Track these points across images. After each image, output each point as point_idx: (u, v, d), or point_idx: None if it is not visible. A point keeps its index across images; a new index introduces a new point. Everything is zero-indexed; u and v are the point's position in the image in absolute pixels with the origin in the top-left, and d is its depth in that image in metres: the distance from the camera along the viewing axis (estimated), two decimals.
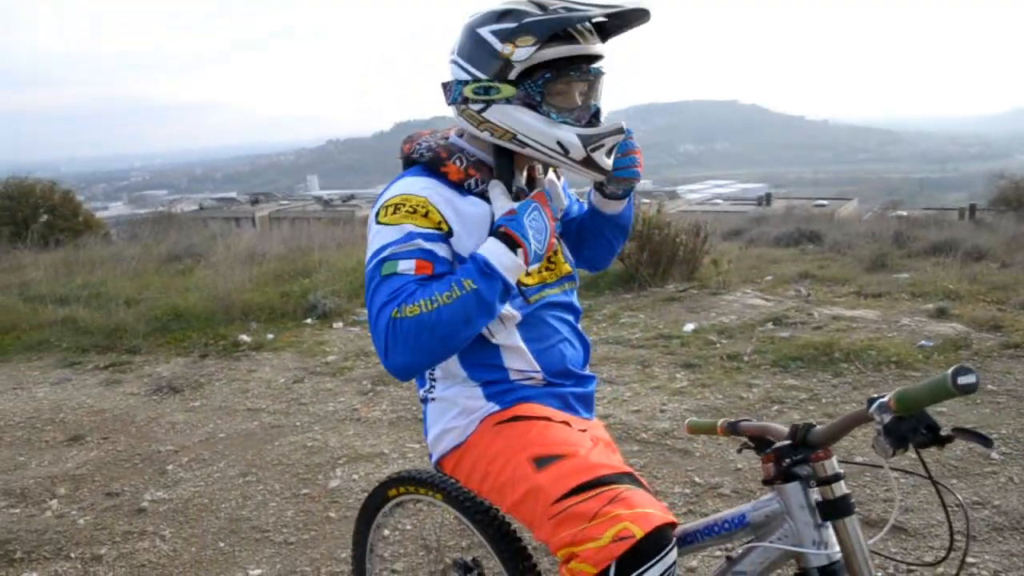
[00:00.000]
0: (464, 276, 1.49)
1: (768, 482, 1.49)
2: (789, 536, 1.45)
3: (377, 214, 1.61)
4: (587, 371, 1.88)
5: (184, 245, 11.79)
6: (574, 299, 1.87)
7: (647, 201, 12.05)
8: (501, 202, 1.61)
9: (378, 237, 1.58)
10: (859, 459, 3.38)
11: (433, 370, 1.79)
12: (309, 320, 7.11)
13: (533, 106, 1.56)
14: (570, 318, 1.84)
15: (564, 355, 1.79)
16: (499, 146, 1.64)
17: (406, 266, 1.53)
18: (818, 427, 1.43)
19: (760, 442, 1.56)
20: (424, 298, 1.47)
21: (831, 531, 1.42)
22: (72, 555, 3.19)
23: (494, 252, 1.52)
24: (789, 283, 8.10)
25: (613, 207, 1.87)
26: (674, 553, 1.46)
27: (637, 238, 7.94)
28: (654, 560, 1.42)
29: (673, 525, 1.50)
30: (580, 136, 1.56)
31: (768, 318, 6.28)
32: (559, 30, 1.50)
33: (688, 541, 1.60)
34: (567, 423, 1.73)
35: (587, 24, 1.56)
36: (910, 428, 1.25)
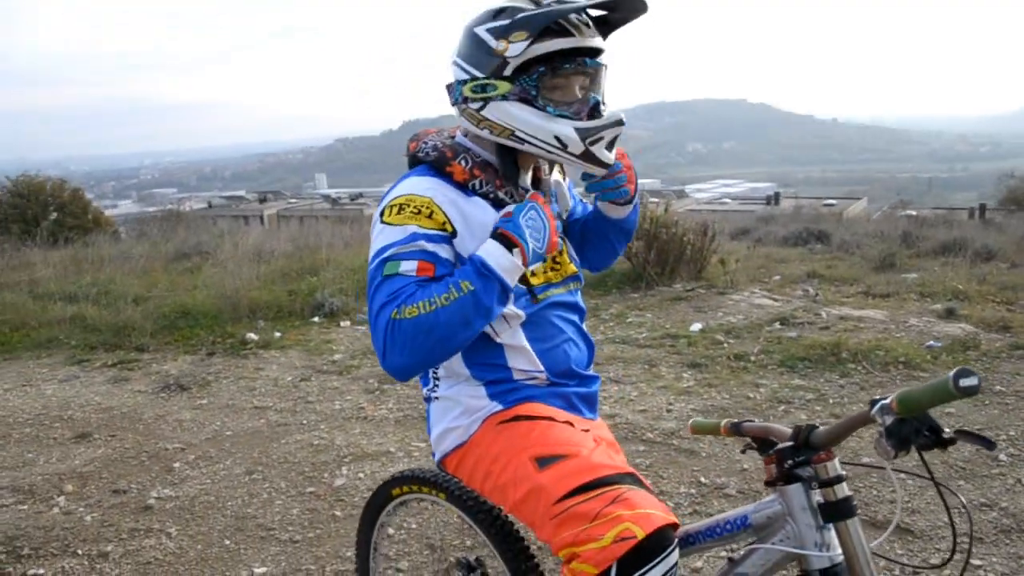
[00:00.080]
0: (462, 278, 1.49)
1: (770, 483, 1.48)
2: (791, 538, 1.45)
3: (382, 213, 1.61)
4: (591, 371, 1.88)
5: (192, 243, 11.82)
6: (579, 299, 1.87)
7: (655, 200, 12.04)
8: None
9: (381, 236, 1.58)
10: (866, 460, 3.37)
11: (437, 369, 1.79)
12: (316, 318, 7.12)
13: (529, 101, 1.56)
14: (575, 318, 1.84)
15: (568, 355, 1.79)
16: (502, 145, 1.64)
17: (408, 267, 1.53)
18: (820, 428, 1.42)
19: (763, 443, 1.55)
20: (423, 299, 1.47)
21: (833, 533, 1.42)
22: (79, 552, 3.20)
23: (491, 253, 1.52)
24: (797, 283, 8.08)
25: (618, 212, 1.86)
26: (676, 554, 1.46)
27: (644, 237, 7.93)
28: (656, 561, 1.42)
29: (675, 526, 1.50)
30: (577, 129, 1.56)
31: (775, 318, 6.27)
32: (551, 23, 1.51)
33: (690, 542, 1.60)
34: (570, 423, 1.73)
35: (584, 18, 1.56)
36: (912, 430, 1.25)
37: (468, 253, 1.58)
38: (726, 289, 7.55)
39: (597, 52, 1.59)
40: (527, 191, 1.71)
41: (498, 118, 1.59)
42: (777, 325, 6.09)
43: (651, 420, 4.29)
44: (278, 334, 6.58)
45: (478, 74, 1.59)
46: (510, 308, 1.66)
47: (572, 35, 1.53)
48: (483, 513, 1.84)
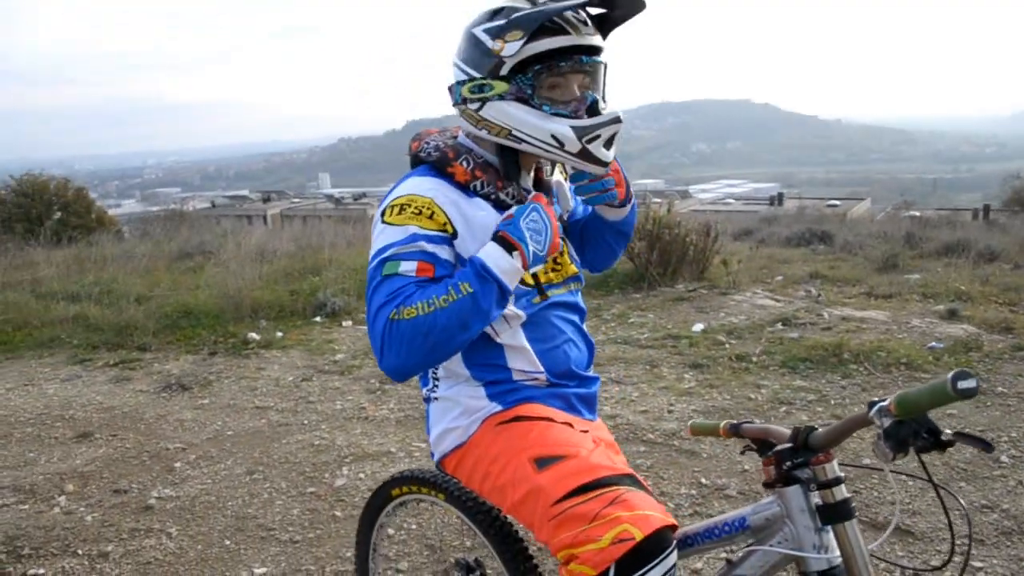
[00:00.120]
0: (461, 280, 1.49)
1: (768, 485, 1.48)
2: (789, 540, 1.44)
3: (383, 213, 1.61)
4: (591, 372, 1.87)
5: (195, 243, 11.84)
6: (579, 299, 1.87)
7: (658, 201, 12.03)
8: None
9: (382, 236, 1.58)
10: (866, 461, 3.36)
11: (436, 369, 1.79)
12: (318, 318, 7.12)
13: (526, 100, 1.56)
14: (575, 318, 1.84)
15: (568, 356, 1.79)
16: (502, 146, 1.64)
17: (407, 267, 1.53)
18: (819, 430, 1.42)
19: (762, 444, 1.55)
20: (421, 301, 1.47)
21: (831, 535, 1.42)
22: (79, 552, 3.20)
23: (491, 255, 1.52)
24: (799, 283, 8.07)
25: (614, 214, 1.86)
26: (674, 556, 1.46)
27: (647, 238, 7.93)
28: (654, 562, 1.42)
29: (673, 528, 1.50)
30: (574, 128, 1.55)
31: (777, 319, 6.26)
32: (546, 22, 1.51)
33: (688, 544, 1.60)
34: (569, 424, 1.73)
35: (581, 16, 1.56)
36: (910, 432, 1.24)
37: (469, 254, 1.58)
38: (728, 290, 7.54)
39: (595, 50, 1.59)
40: (529, 192, 1.71)
41: (495, 118, 1.59)
42: (779, 326, 6.08)
43: (652, 421, 4.28)
44: (280, 334, 6.59)
45: (476, 74, 1.59)
46: (510, 308, 1.66)
47: (568, 33, 1.53)
48: (482, 514, 1.84)
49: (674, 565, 1.45)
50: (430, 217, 1.57)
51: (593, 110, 1.59)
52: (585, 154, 1.57)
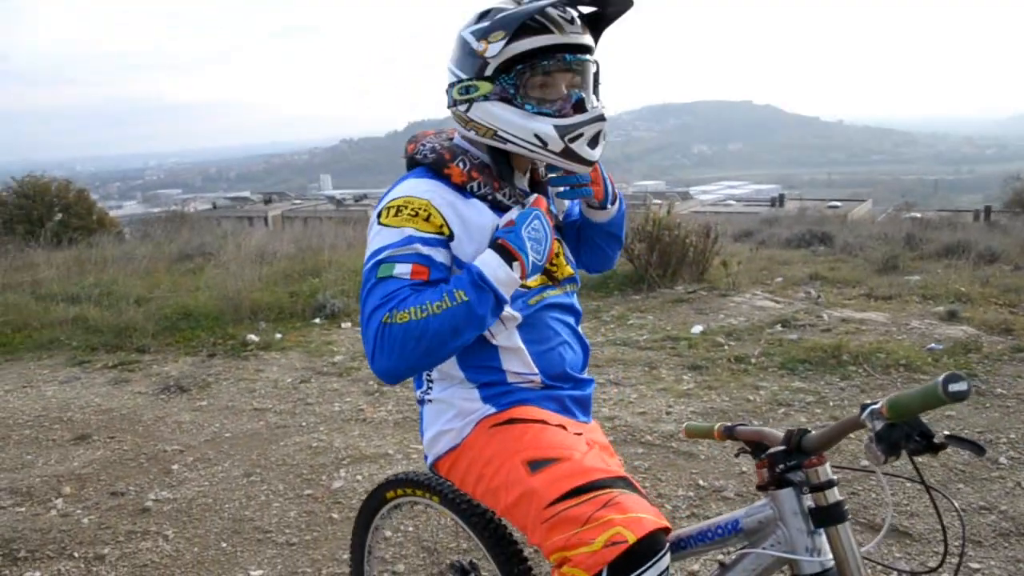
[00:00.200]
0: (457, 287, 1.49)
1: (762, 488, 1.48)
2: (782, 543, 1.44)
3: (379, 215, 1.61)
4: (585, 374, 1.87)
5: (195, 244, 11.84)
6: (575, 301, 1.86)
7: (658, 202, 12.02)
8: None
9: (378, 238, 1.58)
10: (864, 463, 3.36)
11: (430, 371, 1.79)
12: (317, 320, 7.12)
13: (509, 100, 1.56)
14: (571, 320, 1.83)
15: (563, 358, 1.78)
16: (494, 147, 1.64)
17: (402, 270, 1.53)
18: (812, 433, 1.41)
19: (756, 447, 1.55)
20: (415, 305, 1.46)
21: (824, 538, 1.41)
22: (75, 554, 3.20)
23: (489, 264, 1.51)
24: (799, 285, 8.06)
25: (599, 215, 1.86)
26: (667, 559, 1.45)
27: (647, 239, 7.92)
28: (647, 565, 1.41)
29: (666, 530, 1.49)
30: (556, 127, 1.55)
31: (777, 320, 6.25)
32: (529, 21, 1.51)
33: (681, 547, 1.59)
34: (563, 426, 1.72)
35: (568, 15, 1.56)
36: (902, 435, 1.23)
37: (466, 256, 1.58)
38: (728, 291, 7.54)
39: (581, 48, 1.58)
40: (525, 193, 1.71)
41: (481, 118, 1.59)
42: (778, 327, 6.07)
43: (650, 422, 4.27)
44: (279, 335, 6.58)
45: (463, 76, 1.60)
46: (507, 310, 1.65)
47: (551, 32, 1.52)
48: (476, 516, 1.83)
49: (667, 568, 1.44)
50: (426, 219, 1.57)
51: (579, 108, 1.58)
52: (568, 153, 1.57)
